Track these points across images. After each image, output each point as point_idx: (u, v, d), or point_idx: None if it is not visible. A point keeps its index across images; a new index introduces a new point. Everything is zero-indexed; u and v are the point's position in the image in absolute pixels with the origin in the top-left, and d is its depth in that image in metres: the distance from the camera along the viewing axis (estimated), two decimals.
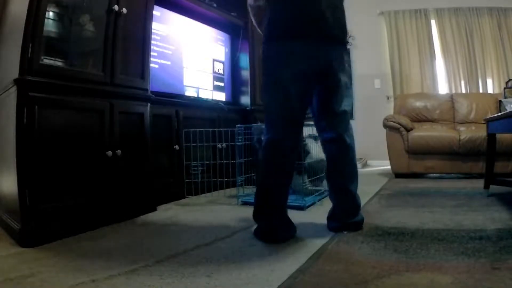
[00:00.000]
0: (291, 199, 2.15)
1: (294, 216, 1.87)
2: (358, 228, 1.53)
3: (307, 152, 2.18)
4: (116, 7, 1.85)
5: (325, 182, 2.47)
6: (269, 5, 1.49)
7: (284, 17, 1.44)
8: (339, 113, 1.51)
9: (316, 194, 2.25)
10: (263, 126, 1.58)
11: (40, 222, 1.49)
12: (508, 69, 4.37)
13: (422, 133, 3.33)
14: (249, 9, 1.65)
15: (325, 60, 1.43)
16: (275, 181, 1.48)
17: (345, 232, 1.50)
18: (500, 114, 2.26)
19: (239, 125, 2.38)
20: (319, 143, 2.39)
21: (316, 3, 1.41)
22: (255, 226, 1.54)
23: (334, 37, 1.44)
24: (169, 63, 2.64)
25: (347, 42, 1.55)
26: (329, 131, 1.54)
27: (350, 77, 1.61)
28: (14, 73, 1.51)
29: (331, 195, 1.59)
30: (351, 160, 1.54)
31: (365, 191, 2.50)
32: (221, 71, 3.20)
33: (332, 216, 1.58)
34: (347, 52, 1.57)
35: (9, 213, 1.64)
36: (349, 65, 1.63)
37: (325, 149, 1.61)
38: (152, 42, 2.25)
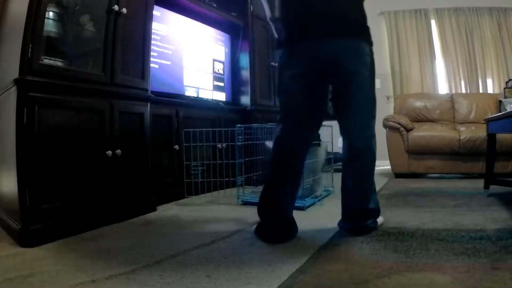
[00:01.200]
0: None
1: (295, 216, 1.87)
2: (366, 232, 1.47)
3: None
4: (116, 7, 1.85)
5: (323, 182, 2.49)
6: (278, 15, 1.53)
7: (284, 21, 1.48)
8: (350, 114, 1.45)
9: (316, 194, 2.25)
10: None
11: (40, 222, 1.49)
12: (508, 69, 4.37)
13: (422, 133, 3.34)
14: None
15: (326, 57, 1.38)
16: (278, 178, 1.48)
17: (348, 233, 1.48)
18: (500, 114, 2.26)
19: (239, 125, 2.38)
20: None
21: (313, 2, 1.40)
22: (255, 225, 1.55)
23: (337, 31, 1.38)
24: (169, 63, 2.63)
25: (363, 33, 1.44)
26: (343, 135, 1.50)
27: (368, 71, 1.43)
28: (14, 73, 1.51)
29: (342, 194, 1.55)
30: (362, 165, 1.47)
31: None
32: (221, 71, 3.20)
33: (342, 216, 1.54)
34: (362, 45, 1.42)
35: (9, 213, 1.64)
36: (370, 59, 1.44)
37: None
38: (152, 42, 2.25)
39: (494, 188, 2.38)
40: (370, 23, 1.47)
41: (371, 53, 1.45)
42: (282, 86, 1.50)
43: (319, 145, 2.34)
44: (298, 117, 1.47)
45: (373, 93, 1.47)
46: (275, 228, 1.44)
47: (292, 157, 1.48)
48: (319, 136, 2.31)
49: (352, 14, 1.42)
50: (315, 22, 1.38)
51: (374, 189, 1.53)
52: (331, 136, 2.47)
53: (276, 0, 1.51)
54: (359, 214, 1.48)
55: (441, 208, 1.92)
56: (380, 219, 1.58)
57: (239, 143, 2.33)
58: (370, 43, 1.45)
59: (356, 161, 1.47)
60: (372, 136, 1.47)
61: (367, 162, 1.48)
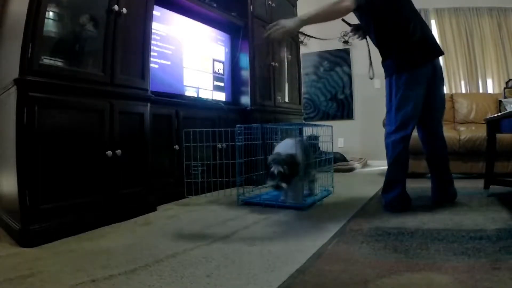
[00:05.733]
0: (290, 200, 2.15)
1: (295, 216, 1.88)
2: (456, 197, 2.06)
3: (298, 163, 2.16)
4: (116, 7, 1.85)
5: (323, 183, 2.48)
6: (396, 43, 1.90)
7: (406, 51, 1.86)
8: (438, 112, 2.02)
9: (315, 195, 2.25)
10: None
11: (40, 222, 1.49)
12: (508, 69, 4.37)
13: None
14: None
15: (432, 73, 1.90)
16: (399, 165, 1.94)
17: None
18: (500, 114, 2.26)
19: (239, 125, 2.38)
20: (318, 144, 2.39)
21: (426, 33, 1.88)
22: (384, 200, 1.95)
23: (437, 55, 1.93)
24: (169, 63, 2.63)
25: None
26: (428, 128, 2.04)
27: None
28: (14, 73, 1.51)
29: (433, 174, 2.10)
30: (445, 146, 2.11)
31: (365, 191, 2.50)
32: (221, 71, 3.20)
33: (435, 192, 2.07)
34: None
35: (9, 213, 1.64)
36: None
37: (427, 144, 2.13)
38: (152, 42, 2.25)
39: (494, 188, 2.38)
40: None
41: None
42: (407, 100, 1.87)
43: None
44: (414, 120, 1.91)
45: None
46: (400, 201, 1.90)
47: (407, 150, 1.95)
48: (317, 136, 2.31)
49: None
50: (430, 49, 1.89)
51: None
52: (331, 136, 2.47)
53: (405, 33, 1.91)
54: (451, 183, 2.05)
55: (441, 208, 1.92)
56: None
57: (239, 143, 2.33)
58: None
59: (443, 144, 2.08)
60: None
61: (446, 144, 2.11)
